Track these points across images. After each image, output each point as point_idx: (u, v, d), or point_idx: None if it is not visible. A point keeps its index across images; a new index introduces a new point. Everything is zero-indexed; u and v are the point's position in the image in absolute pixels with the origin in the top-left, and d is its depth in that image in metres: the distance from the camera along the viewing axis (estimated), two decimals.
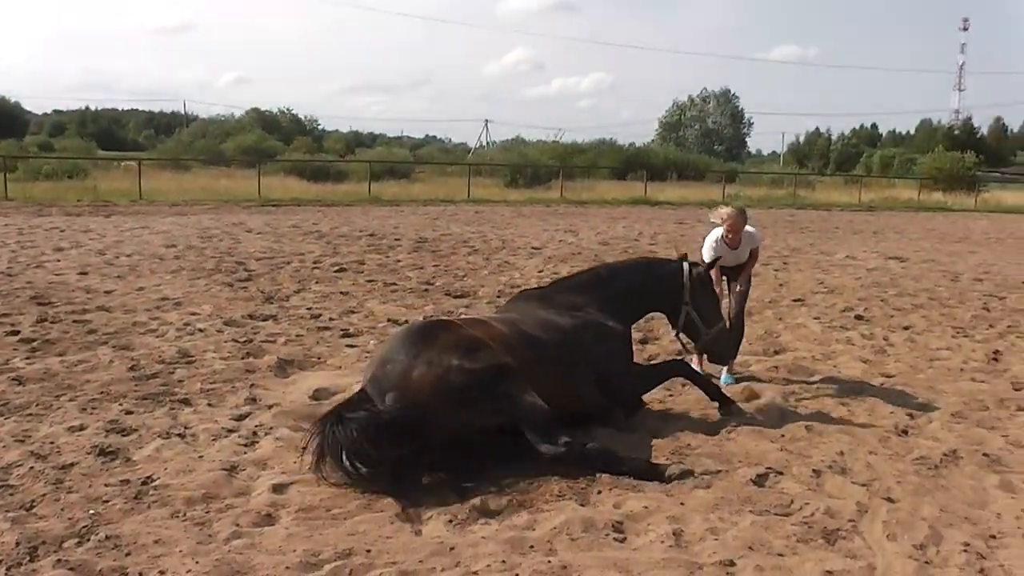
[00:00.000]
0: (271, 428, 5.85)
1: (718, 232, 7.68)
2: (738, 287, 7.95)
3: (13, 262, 13.09)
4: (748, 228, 7.73)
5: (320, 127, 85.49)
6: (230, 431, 5.79)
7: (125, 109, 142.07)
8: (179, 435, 5.68)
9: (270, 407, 6.35)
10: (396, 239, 18.10)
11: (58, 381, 6.80)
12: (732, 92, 73.24)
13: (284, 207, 26.84)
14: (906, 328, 10.11)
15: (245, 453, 5.38)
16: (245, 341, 8.39)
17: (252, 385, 6.93)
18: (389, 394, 5.12)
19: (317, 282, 12.20)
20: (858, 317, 10.66)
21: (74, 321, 8.99)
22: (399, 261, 14.71)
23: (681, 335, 6.98)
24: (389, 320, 9.66)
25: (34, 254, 14.09)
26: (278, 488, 4.81)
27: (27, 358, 7.47)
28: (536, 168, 45.60)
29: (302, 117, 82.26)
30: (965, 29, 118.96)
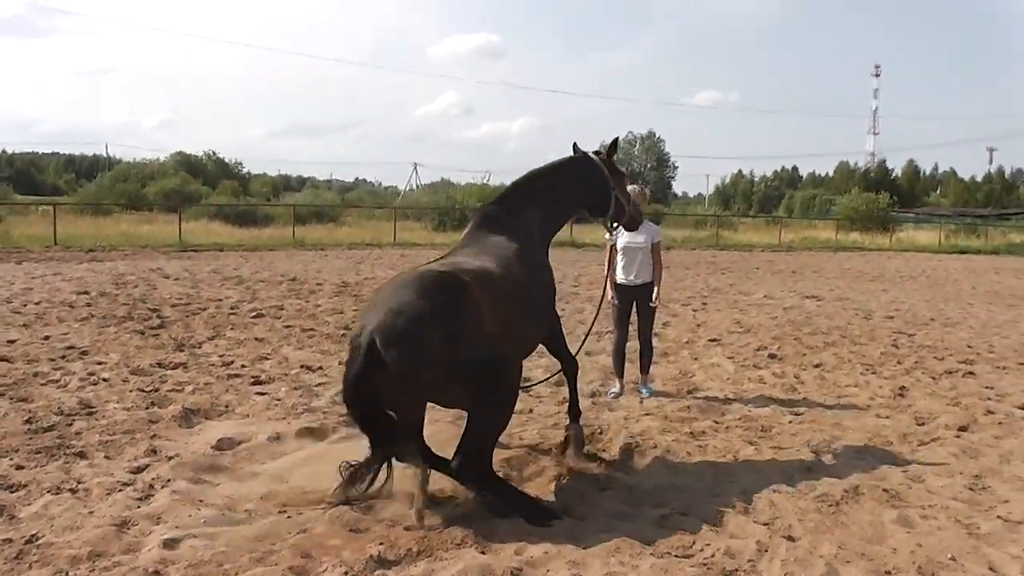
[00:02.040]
0: (168, 480, 5.66)
1: None
2: (648, 304, 8.59)
3: None
4: (650, 222, 8.35)
5: (246, 171, 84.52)
6: (125, 484, 5.60)
7: (44, 152, 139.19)
8: (71, 490, 5.47)
9: (170, 458, 6.16)
10: (318, 283, 17.90)
11: None
12: (657, 136, 74.96)
13: (205, 252, 26.38)
14: (817, 366, 10.31)
15: (139, 507, 5.20)
16: (151, 390, 8.16)
17: (153, 436, 6.72)
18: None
19: (232, 328, 11.97)
20: (771, 356, 10.84)
21: None
22: (319, 306, 14.52)
23: (608, 222, 7.13)
24: (303, 367, 9.51)
25: None
26: (169, 543, 4.64)
27: None
28: (463, 210, 45.68)
29: (227, 160, 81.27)
30: (877, 75, 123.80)
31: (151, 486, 5.57)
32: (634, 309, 8.73)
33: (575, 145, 7.02)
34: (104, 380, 8.52)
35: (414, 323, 4.85)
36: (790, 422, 7.70)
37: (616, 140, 7.21)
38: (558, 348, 6.81)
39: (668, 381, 9.28)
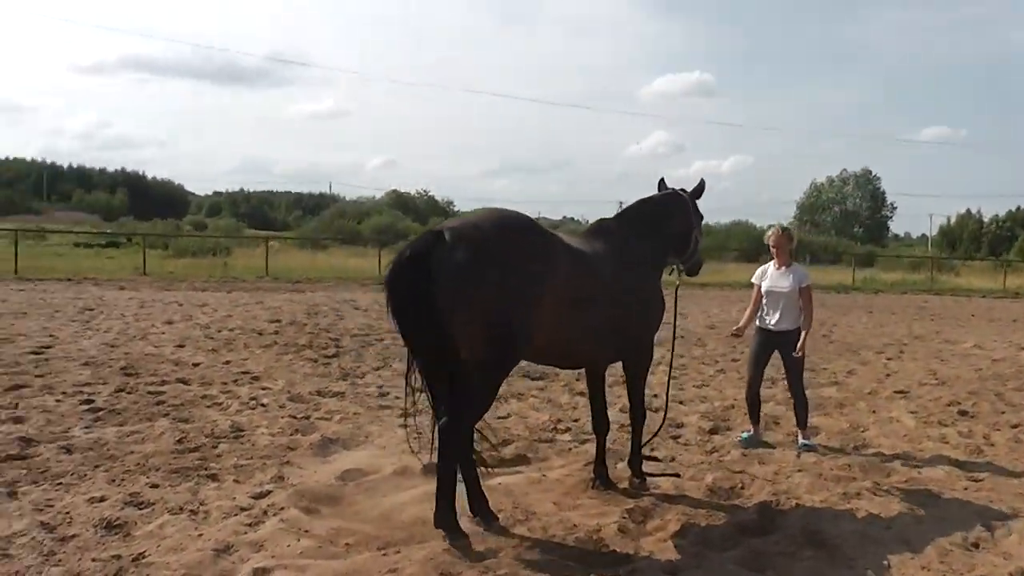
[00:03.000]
0: (282, 508, 5.71)
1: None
2: (794, 354, 7.95)
3: (121, 334, 13.70)
4: (798, 265, 8.15)
5: (455, 207, 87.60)
6: (243, 509, 5.69)
7: (278, 191, 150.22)
8: (192, 511, 5.62)
9: (294, 486, 6.25)
10: None
11: (104, 452, 6.91)
12: (872, 173, 71.03)
13: None
14: (1015, 427, 9.18)
15: (245, 534, 5.25)
16: (302, 417, 8.39)
17: (286, 463, 6.85)
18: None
19: (400, 360, 12.18)
20: (962, 412, 9.78)
21: (148, 392, 9.23)
22: None
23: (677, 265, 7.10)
24: None
25: (144, 327, 14.72)
26: (259, 572, 4.64)
27: (87, 427, 7.66)
28: None
29: (438, 198, 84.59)
30: None
31: (265, 512, 5.64)
32: (777, 357, 8.14)
33: (662, 181, 7.08)
34: (263, 405, 8.85)
35: (489, 238, 4.99)
36: (965, 489, 6.84)
37: (703, 182, 7.19)
38: (628, 386, 6.67)
39: (835, 435, 8.54)
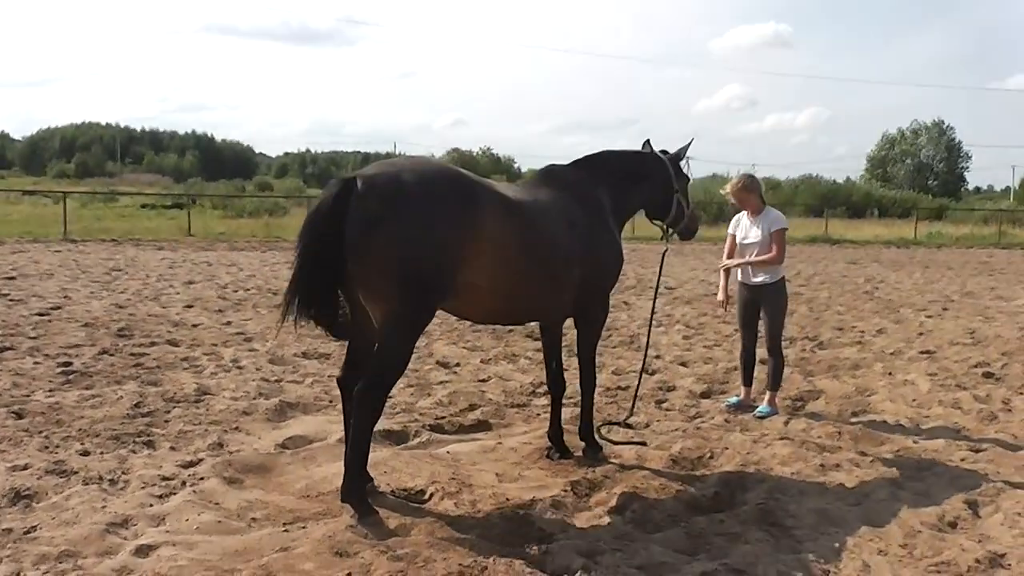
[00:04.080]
0: (201, 478, 5.43)
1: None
2: (773, 306, 7.48)
3: (136, 295, 13.67)
4: (772, 209, 7.58)
5: (517, 166, 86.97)
6: (165, 479, 5.42)
7: (345, 151, 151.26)
8: (111, 480, 5.38)
9: (231, 453, 5.97)
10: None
11: (52, 416, 6.71)
12: (946, 124, 67.70)
13: None
14: None
15: (151, 506, 4.96)
16: (274, 380, 8.13)
17: (234, 428, 6.59)
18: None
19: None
20: (987, 375, 9.05)
21: (131, 354, 9.07)
22: None
23: (664, 227, 6.83)
24: (439, 363, 9.16)
25: (161, 287, 14.69)
26: (142, 550, 4.35)
27: (50, 391, 7.50)
28: (720, 205, 44.02)
29: (501, 156, 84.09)
30: None
31: (183, 483, 5.36)
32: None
33: (647, 142, 6.73)
34: (239, 368, 8.62)
35: (403, 186, 4.62)
36: (962, 460, 6.23)
37: (689, 144, 6.82)
38: (578, 345, 6.16)
39: (835, 400, 7.95)
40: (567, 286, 5.59)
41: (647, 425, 7.00)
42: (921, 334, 11.75)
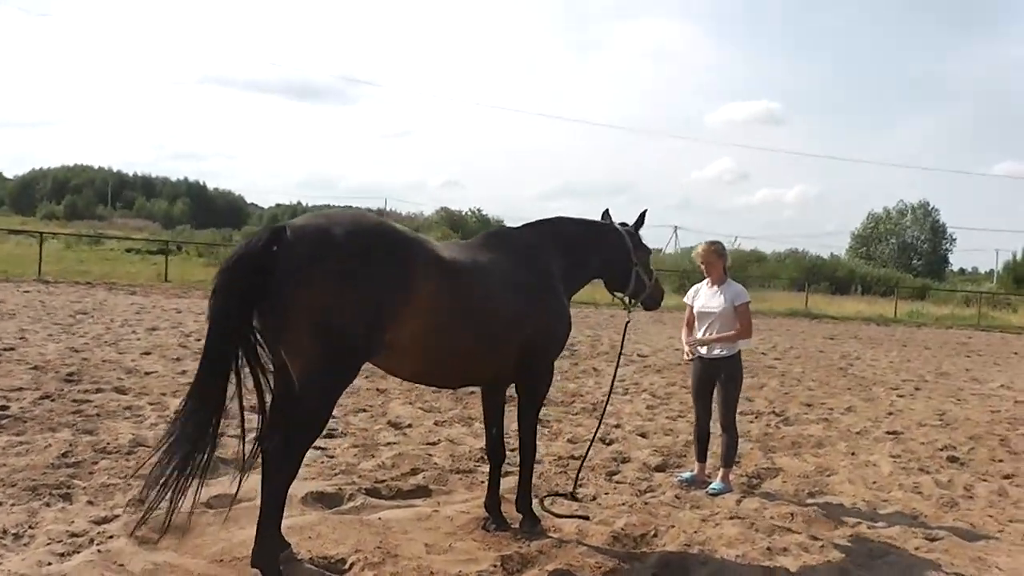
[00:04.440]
0: (110, 537, 5.13)
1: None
2: (729, 382, 7.24)
3: (95, 339, 13.37)
4: (734, 282, 7.44)
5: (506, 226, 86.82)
6: (73, 536, 5.13)
7: (337, 205, 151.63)
8: (15, 535, 5.08)
9: (150, 511, 5.65)
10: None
11: None
12: (931, 205, 68.35)
13: None
14: (1006, 477, 8.23)
15: (50, 564, 4.66)
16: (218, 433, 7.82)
17: (161, 484, 6.27)
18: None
19: (366, 377, 11.61)
20: (952, 459, 8.82)
21: (73, 400, 8.77)
22: None
23: (625, 298, 6.71)
24: (390, 423, 8.88)
25: (123, 332, 14.43)
26: None
27: None
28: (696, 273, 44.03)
29: (489, 217, 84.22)
30: None
31: (91, 541, 5.06)
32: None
33: (606, 212, 6.65)
34: None
35: (333, 239, 4.42)
36: (915, 549, 5.97)
37: (644, 213, 6.73)
38: (519, 413, 5.88)
39: (793, 478, 7.70)
40: (506, 351, 5.39)
41: (594, 498, 6.72)
42: (891, 413, 11.54)
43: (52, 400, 8.71)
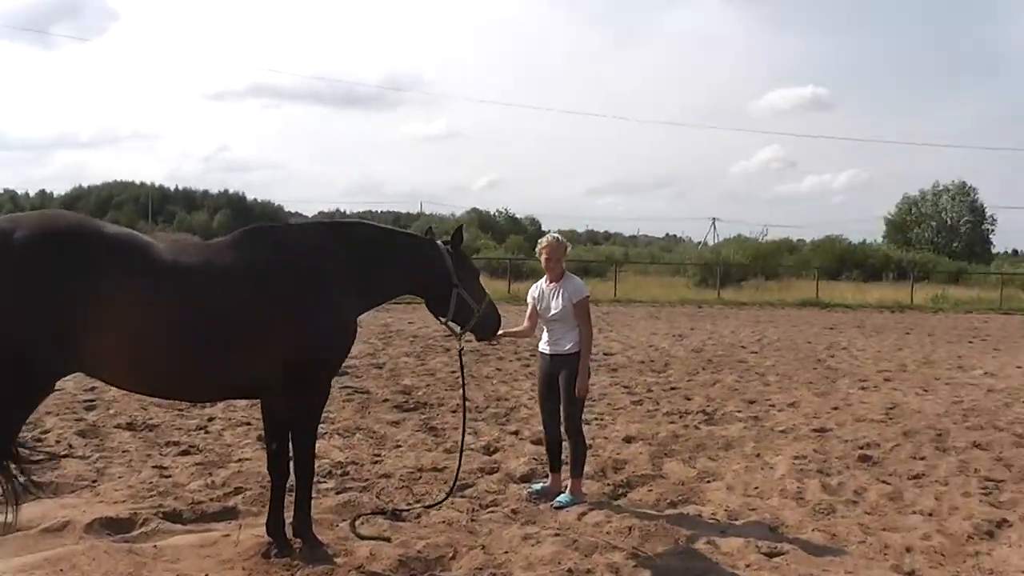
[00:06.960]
0: None
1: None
2: (570, 381, 6.63)
3: None
4: (574, 277, 6.89)
5: (542, 226, 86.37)
6: None
7: (378, 211, 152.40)
8: None
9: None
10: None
11: None
12: (969, 185, 65.90)
13: None
14: (915, 477, 7.54)
15: None
16: (63, 455, 7.49)
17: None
18: None
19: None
20: (864, 458, 8.13)
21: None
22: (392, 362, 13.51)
23: (450, 322, 6.06)
24: (259, 438, 8.44)
25: None
26: None
27: None
28: (727, 267, 43.12)
29: (519, 217, 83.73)
30: None
31: None
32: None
33: (429, 229, 6.20)
34: (126, 452, 7.88)
35: (12, 245, 4.10)
36: (747, 566, 5.38)
37: (460, 228, 6.24)
38: (291, 429, 5.37)
39: (664, 487, 7.09)
40: (255, 361, 4.92)
41: (418, 517, 6.22)
42: (835, 408, 10.84)
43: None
